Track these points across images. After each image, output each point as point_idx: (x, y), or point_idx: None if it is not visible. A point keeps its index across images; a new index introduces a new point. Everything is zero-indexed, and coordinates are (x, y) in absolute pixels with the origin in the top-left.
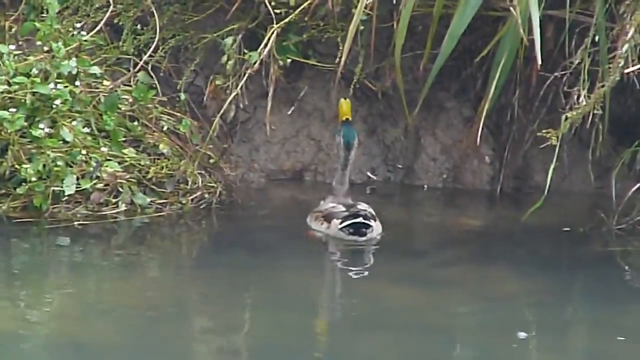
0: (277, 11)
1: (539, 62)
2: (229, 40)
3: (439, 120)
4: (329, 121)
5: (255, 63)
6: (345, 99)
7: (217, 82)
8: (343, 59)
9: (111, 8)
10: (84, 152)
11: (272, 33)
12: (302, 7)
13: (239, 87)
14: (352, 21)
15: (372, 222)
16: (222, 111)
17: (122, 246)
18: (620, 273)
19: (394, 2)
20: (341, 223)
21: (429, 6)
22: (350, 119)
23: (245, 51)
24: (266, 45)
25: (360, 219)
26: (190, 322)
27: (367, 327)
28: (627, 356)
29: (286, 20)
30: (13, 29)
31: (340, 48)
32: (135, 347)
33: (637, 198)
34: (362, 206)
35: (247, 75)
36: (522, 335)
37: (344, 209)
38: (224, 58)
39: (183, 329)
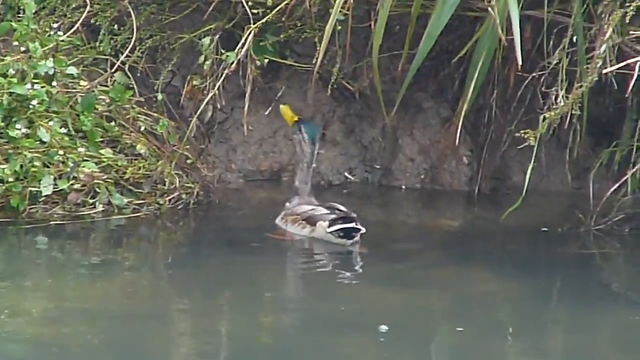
0: (254, 11)
1: (520, 62)
2: (206, 40)
3: (417, 121)
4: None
5: (232, 63)
6: (284, 104)
7: (195, 83)
8: (319, 58)
9: (88, 8)
10: (61, 152)
11: (249, 33)
12: (279, 7)
13: (216, 87)
14: (329, 21)
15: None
16: (199, 111)
17: (100, 246)
18: (597, 273)
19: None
20: (330, 226)
21: (407, 6)
22: (300, 117)
23: (223, 51)
24: (243, 45)
25: (353, 224)
26: (167, 322)
27: (344, 327)
28: (602, 356)
29: (263, 20)
30: None
31: (318, 48)
32: (113, 348)
33: (615, 199)
34: (341, 207)
35: (224, 75)
36: (383, 328)
37: (326, 211)
38: (201, 58)
39: (160, 329)
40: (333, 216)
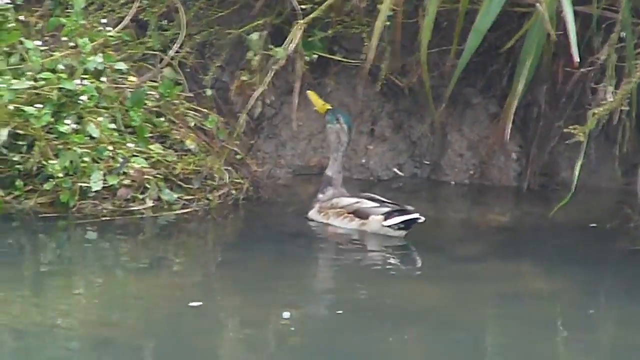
0: (303, 7)
1: (576, 58)
2: (254, 36)
3: (466, 117)
4: (355, 117)
5: (281, 59)
6: (308, 89)
7: (243, 78)
8: (370, 55)
9: (137, 4)
10: (110, 148)
11: (298, 29)
12: (327, 2)
13: (265, 83)
14: (379, 17)
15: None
16: (248, 107)
17: (149, 242)
18: None
19: None
20: (385, 219)
21: (455, 2)
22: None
23: (271, 47)
24: (292, 40)
25: (415, 215)
26: (215, 317)
27: (394, 322)
28: None
29: (312, 15)
30: (39, 25)
31: (366, 44)
32: (161, 343)
33: None
34: (379, 197)
35: (273, 71)
36: (285, 314)
37: (374, 203)
38: (250, 54)
39: (209, 324)
40: (386, 209)
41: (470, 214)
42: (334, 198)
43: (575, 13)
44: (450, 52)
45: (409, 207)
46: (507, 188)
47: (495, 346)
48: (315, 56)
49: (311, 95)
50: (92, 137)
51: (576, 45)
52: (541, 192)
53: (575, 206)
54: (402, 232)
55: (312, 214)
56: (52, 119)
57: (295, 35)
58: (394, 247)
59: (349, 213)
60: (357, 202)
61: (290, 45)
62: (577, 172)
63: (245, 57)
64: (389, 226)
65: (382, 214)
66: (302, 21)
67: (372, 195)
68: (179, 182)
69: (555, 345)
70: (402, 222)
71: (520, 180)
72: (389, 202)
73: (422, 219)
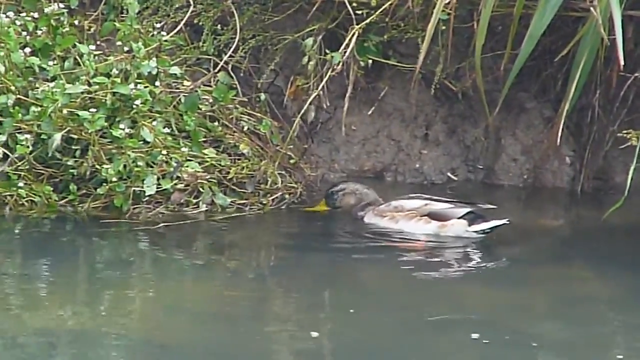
0: (358, 12)
1: (622, 62)
2: (309, 41)
3: (520, 121)
4: (409, 121)
5: (338, 64)
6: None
7: (298, 83)
8: (421, 58)
9: (191, 8)
10: (164, 152)
11: (353, 34)
12: (382, 7)
13: (320, 87)
14: (431, 21)
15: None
16: (302, 111)
17: (203, 246)
18: None
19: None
20: (470, 225)
21: (509, 6)
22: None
23: (327, 51)
24: (347, 45)
25: (503, 221)
26: (269, 322)
27: (447, 327)
28: None
29: (367, 21)
30: (93, 29)
31: (420, 48)
32: (215, 347)
33: None
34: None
35: (328, 75)
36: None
37: (449, 205)
38: (305, 59)
39: (262, 330)
40: (465, 210)
41: (523, 217)
42: (393, 202)
43: (630, 17)
44: (504, 57)
45: (483, 206)
46: (561, 192)
47: (545, 350)
48: (370, 61)
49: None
50: (145, 142)
51: (622, 48)
52: (595, 195)
53: (629, 210)
54: (482, 236)
55: (370, 218)
56: (106, 124)
57: (351, 40)
58: (440, 250)
59: (422, 216)
60: (427, 204)
61: (346, 50)
62: (630, 176)
63: (299, 61)
64: (474, 232)
65: (465, 218)
66: (357, 26)
67: (426, 195)
68: (233, 187)
69: (606, 349)
70: (488, 229)
71: (573, 184)
72: (458, 202)
73: (507, 221)
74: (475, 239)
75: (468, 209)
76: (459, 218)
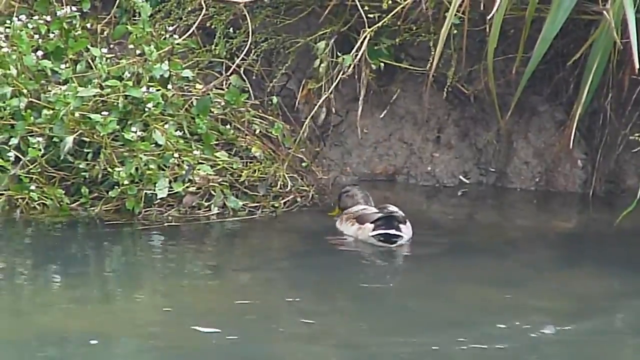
0: (370, 15)
1: (637, 65)
2: (321, 44)
3: (532, 124)
4: (421, 124)
5: (349, 67)
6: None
7: (310, 87)
8: (435, 62)
9: (203, 11)
10: (176, 155)
11: (365, 37)
12: (394, 11)
13: (331, 90)
14: (445, 24)
15: (403, 230)
16: (312, 113)
17: (215, 249)
18: None
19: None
20: (373, 229)
21: (522, 10)
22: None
23: (339, 54)
24: (359, 48)
25: (393, 231)
26: (280, 324)
27: (448, 327)
28: None
29: (379, 24)
30: (105, 32)
31: (432, 52)
32: (224, 349)
33: None
34: (392, 208)
35: (339, 78)
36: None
37: (376, 210)
38: (317, 62)
39: (273, 332)
40: (378, 216)
41: (535, 220)
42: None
43: None
44: (516, 60)
45: (398, 217)
46: (573, 195)
47: (558, 352)
48: (382, 64)
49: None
50: (157, 145)
51: (637, 52)
52: (607, 199)
53: None
54: (389, 245)
55: (338, 223)
56: (118, 127)
57: (362, 43)
58: (449, 251)
59: (353, 218)
60: (364, 209)
61: (358, 53)
62: None
63: (312, 64)
64: (373, 236)
65: (373, 222)
66: (369, 30)
67: (389, 205)
68: (245, 190)
69: (617, 352)
70: (381, 236)
71: (585, 187)
72: (390, 211)
73: (404, 236)
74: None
75: (384, 215)
76: (370, 222)
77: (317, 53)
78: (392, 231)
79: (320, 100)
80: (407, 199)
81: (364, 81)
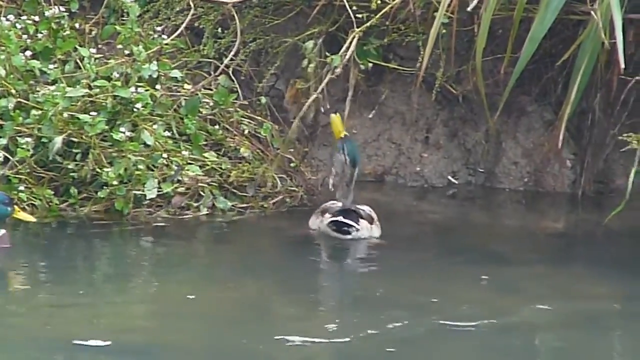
0: (358, 15)
1: (622, 65)
2: (309, 44)
3: (520, 124)
4: (410, 125)
5: (337, 67)
6: (335, 112)
7: (298, 86)
8: (424, 62)
9: (192, 11)
10: (165, 155)
11: (354, 37)
12: (383, 11)
13: (319, 90)
14: (434, 25)
15: (359, 223)
16: (300, 114)
17: (203, 249)
18: None
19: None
20: (329, 220)
21: (510, 10)
22: (347, 134)
23: (327, 54)
24: (347, 49)
25: (341, 217)
26: (270, 326)
27: (446, 331)
28: None
29: (367, 24)
30: (94, 33)
31: (422, 52)
32: (213, 351)
33: None
34: (360, 207)
35: (327, 79)
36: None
37: (339, 205)
38: (305, 62)
39: (264, 333)
40: (337, 210)
41: (524, 220)
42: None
43: (630, 20)
44: (504, 60)
45: (352, 210)
46: (562, 195)
47: (549, 353)
48: (370, 64)
49: (334, 119)
50: (146, 145)
51: (622, 52)
52: (595, 199)
53: (630, 213)
54: (342, 235)
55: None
56: (106, 127)
57: (351, 43)
58: (439, 252)
59: (319, 211)
60: (332, 204)
61: (346, 53)
62: (631, 179)
63: (300, 64)
64: (327, 225)
65: (332, 214)
66: (357, 30)
67: (360, 206)
68: (234, 190)
69: (608, 351)
70: (333, 224)
71: (574, 187)
72: (349, 207)
73: (353, 225)
74: (342, 238)
75: (344, 208)
76: (330, 214)
77: (305, 53)
78: (342, 218)
79: (309, 101)
80: (396, 199)
81: (352, 81)
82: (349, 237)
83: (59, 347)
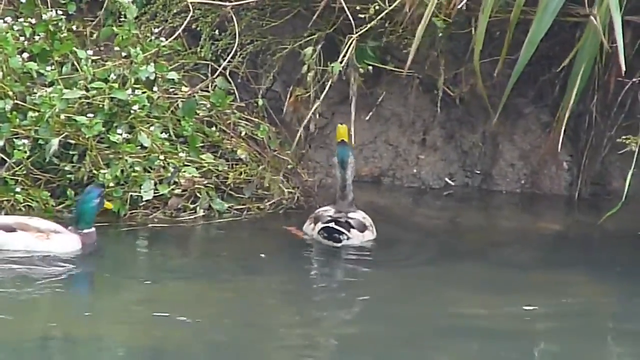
0: (360, 16)
1: (623, 68)
2: (308, 50)
3: (517, 126)
4: (407, 126)
5: (336, 74)
6: (341, 124)
7: (297, 93)
8: (410, 58)
9: (190, 14)
10: (161, 157)
11: (352, 42)
12: (381, 15)
13: (322, 98)
14: (420, 24)
15: (350, 231)
16: (304, 122)
17: (200, 251)
18: None
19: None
20: (321, 226)
21: (507, 12)
22: (346, 140)
23: (325, 58)
24: (346, 53)
25: (332, 224)
26: (266, 328)
27: (442, 333)
28: None
29: (366, 28)
30: (91, 35)
31: (419, 53)
32: (209, 353)
33: None
34: (353, 214)
35: (328, 85)
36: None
37: (332, 213)
38: (304, 68)
39: (258, 335)
40: (329, 218)
41: (521, 222)
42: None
43: (627, 22)
44: (499, 62)
45: (342, 219)
46: (559, 197)
47: (544, 355)
48: (370, 67)
49: (341, 129)
50: (143, 147)
51: (622, 55)
52: (592, 201)
53: (627, 216)
54: (334, 243)
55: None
56: (103, 129)
57: (349, 47)
58: (436, 253)
59: (312, 217)
60: (325, 210)
61: (345, 58)
62: (628, 182)
63: (298, 67)
64: (318, 233)
65: (322, 222)
66: (355, 35)
67: (359, 211)
68: (230, 192)
69: (603, 353)
70: (324, 230)
71: (571, 189)
72: (340, 215)
73: (344, 232)
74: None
75: (329, 218)
76: (323, 222)
77: (304, 59)
78: (333, 225)
79: (312, 110)
80: (393, 201)
81: (354, 86)
82: (339, 245)
83: (54, 345)
